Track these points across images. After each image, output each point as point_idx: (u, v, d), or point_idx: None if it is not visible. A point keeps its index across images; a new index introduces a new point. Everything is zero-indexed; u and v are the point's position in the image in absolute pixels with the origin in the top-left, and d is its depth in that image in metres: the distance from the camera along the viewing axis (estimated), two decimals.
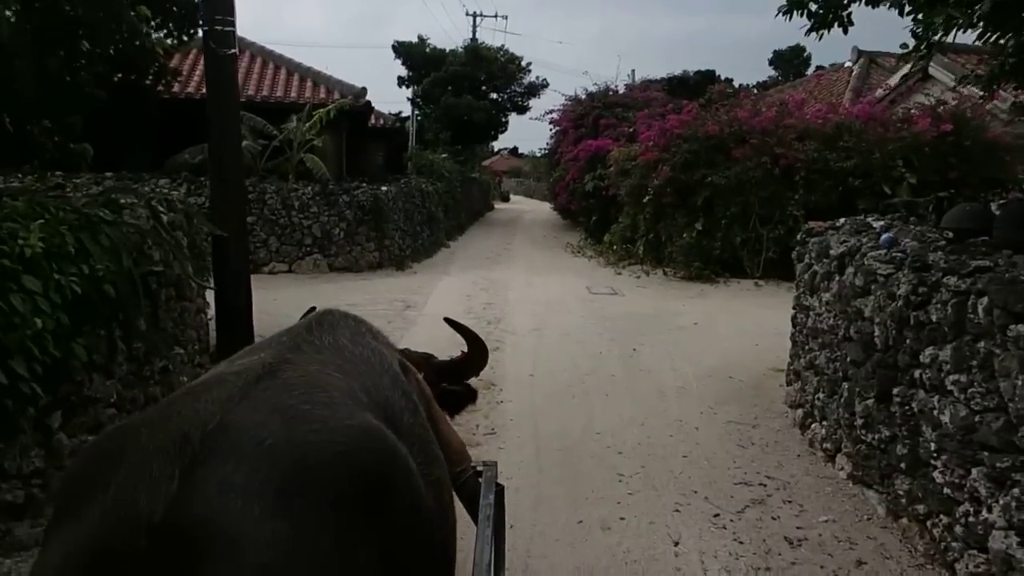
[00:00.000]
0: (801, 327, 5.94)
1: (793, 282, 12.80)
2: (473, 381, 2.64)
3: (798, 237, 6.49)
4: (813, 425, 5.28)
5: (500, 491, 2.27)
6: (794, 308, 6.33)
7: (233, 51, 6.81)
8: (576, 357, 7.76)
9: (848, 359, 4.67)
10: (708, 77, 26.38)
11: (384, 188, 14.38)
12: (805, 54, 47.99)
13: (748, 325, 9.64)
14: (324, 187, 13.49)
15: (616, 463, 4.94)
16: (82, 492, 1.15)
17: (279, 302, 10.80)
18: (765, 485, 4.62)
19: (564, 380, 6.90)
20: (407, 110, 28.20)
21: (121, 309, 4.74)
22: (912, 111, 12.84)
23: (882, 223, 5.54)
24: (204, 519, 1.05)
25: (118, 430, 1.33)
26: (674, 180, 13.17)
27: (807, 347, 5.73)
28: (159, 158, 14.40)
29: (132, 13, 8.54)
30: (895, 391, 4.10)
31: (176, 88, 15.13)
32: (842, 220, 6.25)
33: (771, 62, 50.27)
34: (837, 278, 4.97)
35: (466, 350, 2.60)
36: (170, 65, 14.33)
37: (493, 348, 8.01)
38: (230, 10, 6.72)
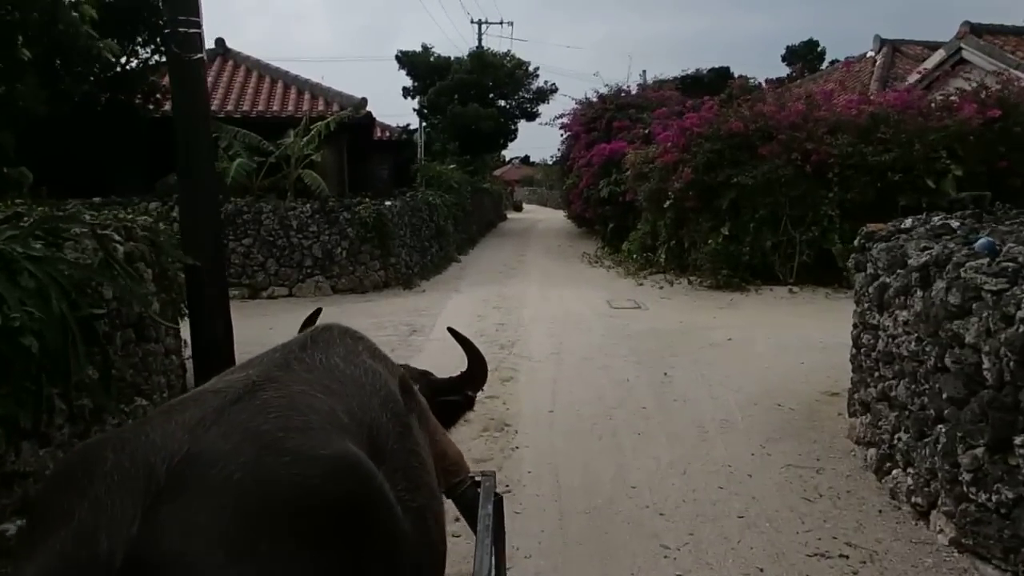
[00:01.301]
0: (868, 349, 5.01)
1: (831, 287, 12.04)
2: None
3: (856, 242, 5.57)
4: (894, 471, 4.36)
5: (499, 501, 2.28)
6: (856, 326, 5.40)
7: (200, 56, 6.02)
8: (600, 386, 6.86)
9: (943, 395, 3.75)
10: (723, 74, 25.42)
11: (388, 203, 13.59)
12: (819, 48, 46.94)
13: (789, 339, 8.71)
14: (324, 204, 12.71)
15: (657, 529, 4.04)
16: (46, 522, 1.13)
17: (275, 331, 10.00)
18: (847, 556, 3.70)
19: (588, 416, 6.00)
20: (416, 122, 27.60)
21: (50, 362, 3.93)
22: (952, 98, 11.86)
23: (965, 224, 4.63)
24: (165, 564, 1.01)
25: (87, 449, 1.29)
26: (696, 182, 12.27)
27: (877, 374, 4.81)
28: (151, 180, 13.70)
29: (74, 14, 7.75)
30: (1017, 440, 3.19)
31: (167, 107, 14.45)
32: (908, 220, 5.34)
33: (784, 58, 49.10)
34: (919, 293, 4.06)
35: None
36: (160, 83, 13.68)
37: (507, 378, 7.12)
38: (195, 11, 5.92)
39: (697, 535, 3.95)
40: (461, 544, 3.31)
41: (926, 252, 4.08)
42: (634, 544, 3.88)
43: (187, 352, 6.49)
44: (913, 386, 4.15)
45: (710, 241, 12.26)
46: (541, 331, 9.43)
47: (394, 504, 1.41)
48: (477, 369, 2.60)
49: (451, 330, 2.81)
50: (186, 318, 6.42)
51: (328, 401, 1.50)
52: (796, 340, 8.68)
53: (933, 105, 11.54)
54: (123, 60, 13.19)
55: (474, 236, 23.50)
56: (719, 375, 7.18)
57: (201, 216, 6.22)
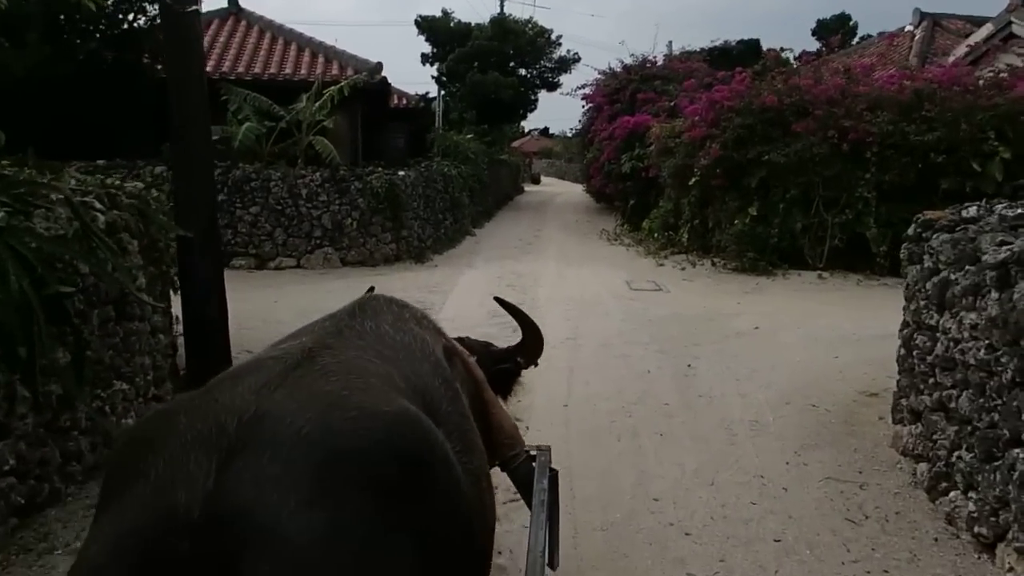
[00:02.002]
0: (922, 352, 4.49)
1: (863, 274, 11.42)
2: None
3: (910, 232, 5.01)
4: (952, 493, 3.87)
5: (554, 476, 2.21)
6: (908, 324, 4.87)
7: (194, 7, 5.52)
8: (619, 377, 6.39)
9: (1022, 415, 3.25)
10: (752, 47, 24.51)
11: (402, 173, 13.08)
12: (851, 22, 45.49)
13: (819, 330, 8.19)
14: (334, 173, 12.22)
15: (683, 552, 3.59)
16: (124, 481, 1.16)
17: (280, 305, 9.62)
18: None
19: (606, 412, 5.54)
20: (434, 91, 26.88)
21: (7, 345, 3.52)
22: (1002, 74, 11.11)
23: None
24: (241, 513, 1.04)
25: (158, 415, 1.34)
26: (725, 159, 11.64)
27: (932, 380, 4.30)
28: (160, 143, 13.25)
29: None
30: None
31: None
32: (972, 208, 4.76)
33: (814, 32, 47.64)
34: (995, 295, 3.53)
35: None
36: None
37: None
38: None
39: (729, 562, 3.49)
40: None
41: (1005, 248, 3.54)
42: (657, 571, 3.43)
43: (179, 329, 6.09)
44: (980, 400, 3.65)
45: (736, 222, 11.67)
46: (557, 313, 8.95)
47: (455, 462, 1.43)
48: (531, 339, 2.59)
49: (498, 299, 2.81)
50: (179, 293, 6.02)
51: (383, 366, 1.53)
52: (827, 331, 8.16)
53: (982, 82, 10.80)
54: (131, 17, 12.70)
55: (490, 209, 22.95)
56: (746, 368, 6.69)
57: (195, 184, 5.78)
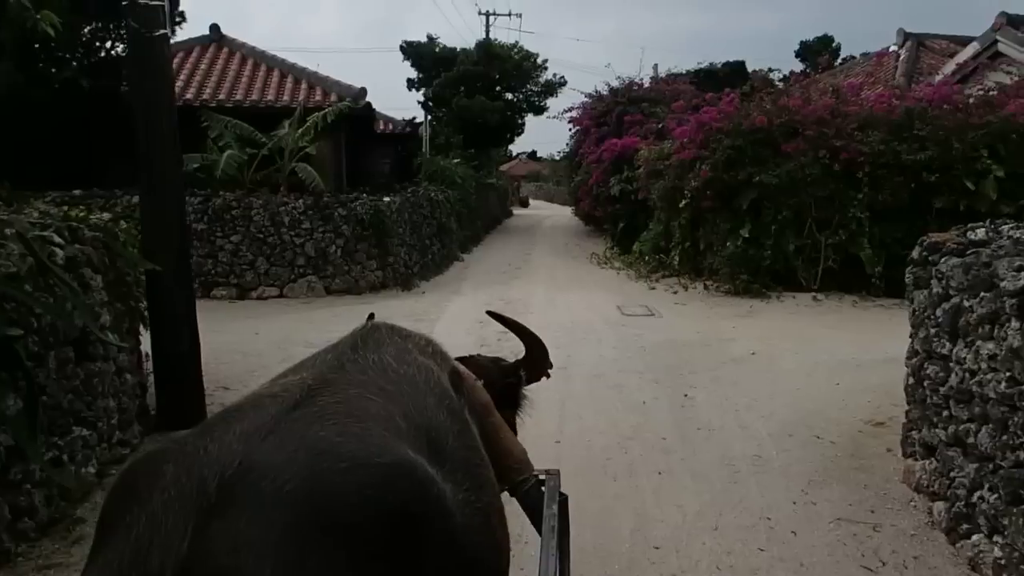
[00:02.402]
0: (933, 383, 4.24)
1: (858, 295, 11.23)
2: None
3: (914, 255, 4.80)
4: (975, 537, 3.59)
5: (564, 501, 2.20)
6: (917, 353, 4.63)
7: (163, 32, 5.29)
8: (613, 410, 6.12)
9: None
10: (737, 69, 24.58)
11: (387, 199, 12.83)
12: (833, 44, 45.88)
13: (818, 354, 7.95)
14: (318, 200, 11.96)
15: None
16: (110, 528, 1.16)
17: (260, 337, 9.28)
18: None
19: (600, 448, 5.26)
20: (422, 116, 26.69)
21: None
22: (991, 92, 11.03)
23: None
24: None
25: (150, 459, 1.29)
26: (715, 181, 11.48)
27: (947, 413, 4.05)
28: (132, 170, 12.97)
29: None
30: None
31: None
32: (980, 229, 4.56)
33: (797, 53, 48.04)
34: (1015, 324, 3.30)
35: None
36: None
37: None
38: None
39: None
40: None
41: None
42: None
43: (151, 366, 5.78)
44: (1004, 436, 3.39)
45: (728, 244, 11.48)
46: (547, 341, 8.46)
47: (455, 512, 1.37)
48: (537, 353, 2.54)
49: (491, 312, 2.77)
50: (149, 329, 5.72)
51: (384, 404, 1.48)
52: (826, 355, 7.93)
53: (972, 100, 10.71)
54: (108, 44, 12.49)
55: (479, 233, 22.74)
56: (745, 397, 6.43)
57: (165, 214, 5.50)
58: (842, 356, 7.87)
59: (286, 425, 1.26)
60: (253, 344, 8.59)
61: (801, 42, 47.86)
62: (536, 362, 2.58)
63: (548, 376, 2.70)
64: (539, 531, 1.99)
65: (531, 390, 5.98)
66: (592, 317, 10.28)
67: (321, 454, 1.20)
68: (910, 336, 4.83)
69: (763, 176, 10.95)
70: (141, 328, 5.64)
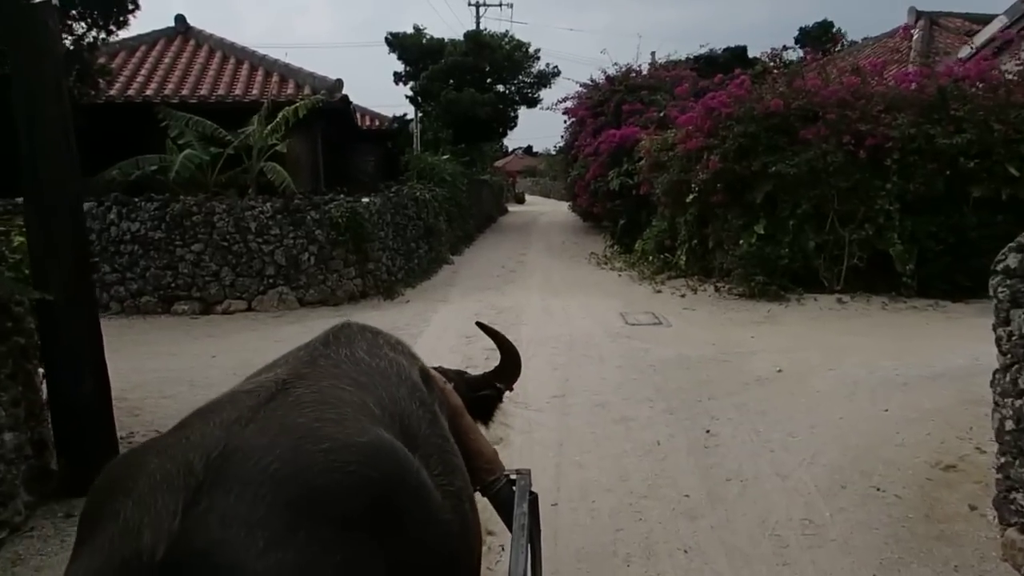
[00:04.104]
0: None
1: (887, 295, 10.13)
2: None
3: (1010, 262, 3.69)
4: None
5: (534, 500, 2.27)
6: (1017, 393, 3.53)
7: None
8: (621, 454, 5.02)
9: None
10: (739, 54, 23.47)
11: (366, 200, 11.72)
12: (834, 29, 44.69)
13: (854, 370, 6.89)
14: (288, 203, 10.84)
15: None
16: (95, 524, 1.17)
17: (218, 361, 8.15)
18: None
19: (607, 513, 4.17)
20: (412, 112, 25.51)
21: None
22: None
23: None
24: (206, 554, 1.03)
25: (132, 454, 1.33)
26: (725, 172, 10.36)
27: None
28: (90, 174, 11.83)
29: None
30: None
31: (108, 89, 12.61)
32: None
33: (797, 40, 46.79)
34: None
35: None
36: (96, 62, 11.80)
37: (495, 441, 5.29)
38: None
39: None
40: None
41: None
42: None
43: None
44: None
45: (741, 241, 10.37)
46: (542, 360, 7.59)
47: (432, 489, 1.42)
48: (509, 363, 2.60)
49: (480, 324, 2.87)
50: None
51: (358, 393, 1.51)
52: (863, 371, 6.86)
53: (1013, 78, 9.60)
54: None
55: (471, 232, 21.62)
56: (779, 432, 5.35)
57: (55, 231, 4.38)
58: (882, 372, 6.80)
59: (265, 414, 1.30)
60: (205, 372, 7.49)
61: (800, 28, 46.65)
62: (509, 373, 2.60)
63: (511, 390, 2.66)
64: (510, 529, 2.05)
65: (525, 429, 4.81)
66: (592, 328, 9.19)
67: (302, 437, 1.25)
68: (1002, 368, 3.73)
69: (779, 166, 9.84)
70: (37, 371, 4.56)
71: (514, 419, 5.71)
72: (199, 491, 1.08)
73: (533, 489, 2.28)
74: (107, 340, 9.36)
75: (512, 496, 2.16)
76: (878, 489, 4.36)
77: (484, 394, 2.52)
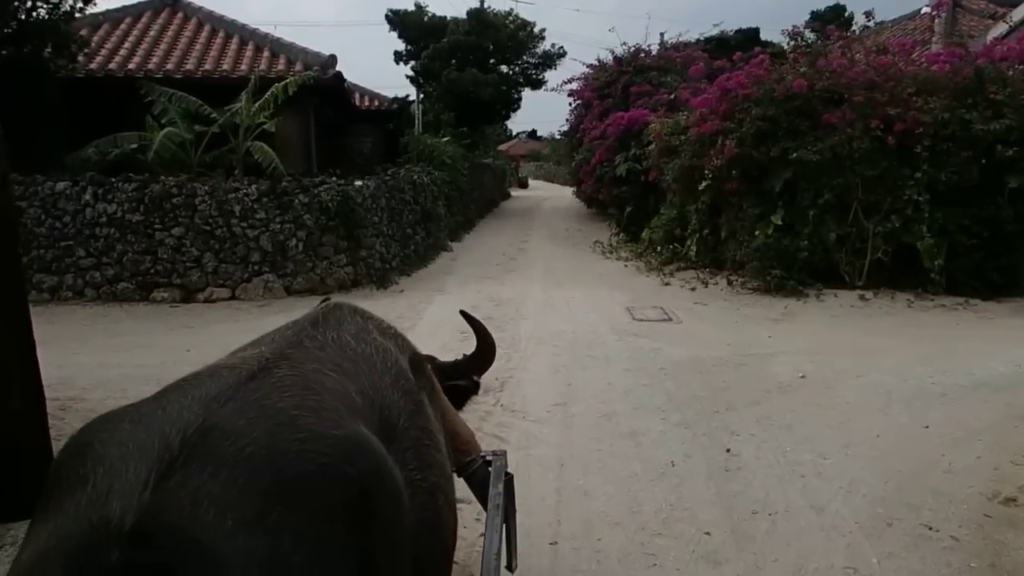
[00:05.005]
0: None
1: (913, 292, 9.43)
2: None
3: None
4: None
5: (509, 480, 2.31)
6: None
7: None
8: (631, 478, 4.40)
9: None
10: (752, 36, 22.65)
11: (359, 183, 11.06)
12: (847, 13, 43.71)
13: (885, 377, 6.30)
14: (274, 185, 10.19)
15: None
16: (63, 487, 1.15)
17: (193, 355, 7.50)
18: None
19: (617, 556, 3.55)
20: (414, 93, 24.80)
21: None
22: None
23: None
24: (175, 528, 1.02)
25: (104, 419, 1.29)
26: (742, 158, 9.69)
27: None
28: (74, 147, 11.18)
29: None
30: None
31: (89, 63, 11.94)
32: None
33: (808, 25, 45.88)
34: None
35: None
36: (76, 33, 11.15)
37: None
38: None
39: None
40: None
41: None
42: None
43: None
44: None
45: (757, 232, 9.72)
46: (542, 361, 6.98)
47: (402, 489, 1.41)
48: (484, 353, 2.59)
49: (463, 313, 2.82)
50: None
51: (340, 380, 1.50)
52: (895, 378, 6.28)
53: None
54: (28, 4, 10.67)
55: (471, 218, 20.95)
56: (809, 451, 4.74)
57: None
58: (916, 379, 6.21)
59: (244, 394, 1.28)
60: (176, 368, 6.76)
61: (812, 12, 45.60)
62: (482, 361, 2.60)
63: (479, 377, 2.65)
64: (485, 508, 2.12)
65: (522, 444, 4.65)
66: (597, 324, 8.56)
67: (280, 424, 1.23)
68: None
69: (800, 152, 9.16)
70: None
71: (511, 431, 5.14)
72: (172, 465, 1.06)
73: (509, 470, 2.31)
74: (77, 330, 8.82)
75: (488, 477, 2.18)
76: (930, 528, 3.75)
77: (459, 385, 2.49)
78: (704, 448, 4.82)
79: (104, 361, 7.21)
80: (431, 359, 2.49)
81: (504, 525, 2.08)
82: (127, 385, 6.40)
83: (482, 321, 2.74)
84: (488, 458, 2.29)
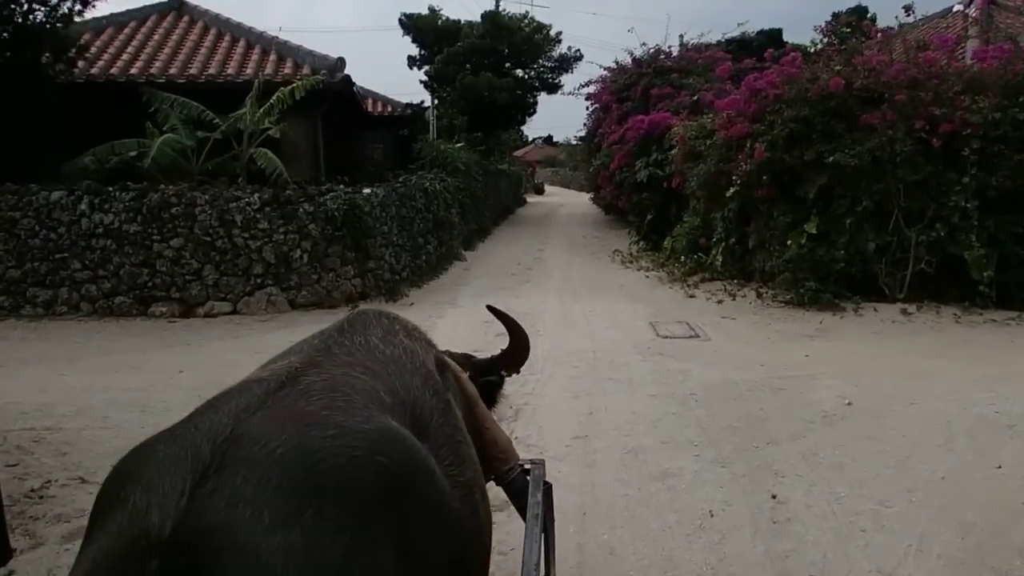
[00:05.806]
0: None
1: (960, 305, 8.71)
2: None
3: None
4: None
5: (548, 489, 2.29)
6: None
7: None
8: (664, 531, 3.82)
9: None
10: (774, 37, 21.98)
11: (367, 191, 10.57)
12: (868, 15, 42.89)
13: (942, 405, 5.68)
14: (278, 194, 9.71)
15: None
16: (106, 509, 1.18)
17: (184, 377, 6.95)
18: None
19: None
20: (429, 99, 24.37)
21: None
22: None
23: None
24: (212, 531, 1.03)
25: (142, 446, 1.32)
26: (773, 162, 9.08)
27: None
28: (68, 159, 10.78)
29: None
30: None
31: (91, 69, 11.55)
32: None
33: (838, 22, 45.06)
34: None
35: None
36: (75, 37, 10.76)
37: (497, 508, 4.15)
38: None
39: None
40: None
41: None
42: None
43: None
44: None
45: (789, 242, 9.10)
46: (560, 385, 6.41)
47: (441, 476, 1.41)
48: (518, 348, 2.56)
49: (491, 307, 2.79)
50: None
51: (370, 381, 1.51)
52: (952, 405, 5.65)
53: None
54: (25, 8, 10.29)
55: (486, 225, 20.43)
56: (866, 498, 4.14)
57: None
58: (977, 408, 5.58)
59: (274, 402, 1.30)
60: (165, 392, 6.37)
61: (833, 14, 44.82)
62: (516, 358, 2.56)
63: (518, 372, 2.64)
64: (524, 519, 2.06)
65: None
66: (619, 341, 7.99)
67: (309, 424, 1.23)
68: None
69: (837, 156, 8.54)
70: None
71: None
72: (206, 473, 1.08)
73: (547, 479, 2.29)
74: (69, 348, 8.29)
75: (526, 486, 2.16)
76: None
77: (490, 381, 2.50)
78: (746, 493, 4.22)
79: (90, 383, 6.72)
80: (469, 357, 2.52)
81: (543, 535, 2.04)
82: (110, 411, 5.91)
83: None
84: (526, 467, 2.26)
